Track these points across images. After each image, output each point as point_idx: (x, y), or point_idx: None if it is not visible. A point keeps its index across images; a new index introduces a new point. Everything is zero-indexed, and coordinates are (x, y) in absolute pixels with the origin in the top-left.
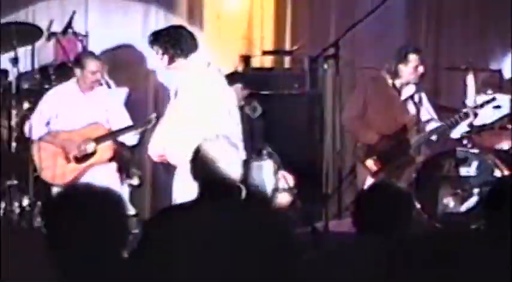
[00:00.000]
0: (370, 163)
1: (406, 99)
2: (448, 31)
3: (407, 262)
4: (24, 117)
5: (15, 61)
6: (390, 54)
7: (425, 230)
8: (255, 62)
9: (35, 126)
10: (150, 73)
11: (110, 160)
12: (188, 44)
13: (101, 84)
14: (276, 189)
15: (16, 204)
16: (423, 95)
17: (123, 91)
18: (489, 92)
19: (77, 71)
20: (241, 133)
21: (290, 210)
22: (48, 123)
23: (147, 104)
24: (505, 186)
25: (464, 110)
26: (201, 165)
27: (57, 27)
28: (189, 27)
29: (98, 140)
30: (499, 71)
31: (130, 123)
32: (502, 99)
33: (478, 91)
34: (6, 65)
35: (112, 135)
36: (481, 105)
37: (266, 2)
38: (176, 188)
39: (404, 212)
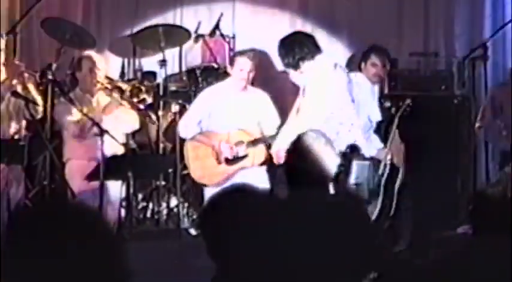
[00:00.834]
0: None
1: None
2: None
3: None
4: (172, 119)
5: (163, 63)
6: None
7: None
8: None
9: (188, 126)
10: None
11: (262, 164)
12: (312, 47)
13: (252, 84)
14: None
15: (164, 205)
16: None
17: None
18: None
19: (230, 70)
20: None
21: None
22: (199, 123)
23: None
24: None
25: None
26: (300, 156)
27: (204, 29)
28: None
29: (252, 142)
30: None
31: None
32: None
33: None
34: (155, 67)
35: (266, 139)
36: None
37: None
38: None
39: None
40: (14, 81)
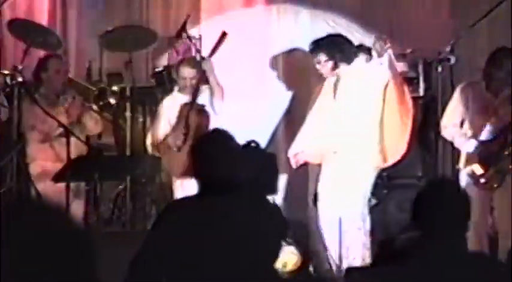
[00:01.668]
0: (475, 168)
1: (502, 101)
2: None
3: None
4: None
5: (128, 64)
6: None
7: None
8: None
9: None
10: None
11: None
12: (350, 51)
13: None
14: None
15: (131, 206)
16: None
17: None
18: None
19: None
20: None
21: None
22: None
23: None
24: None
25: None
26: None
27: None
28: None
29: None
30: None
31: None
32: None
33: None
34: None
35: None
36: None
37: None
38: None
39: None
40: None
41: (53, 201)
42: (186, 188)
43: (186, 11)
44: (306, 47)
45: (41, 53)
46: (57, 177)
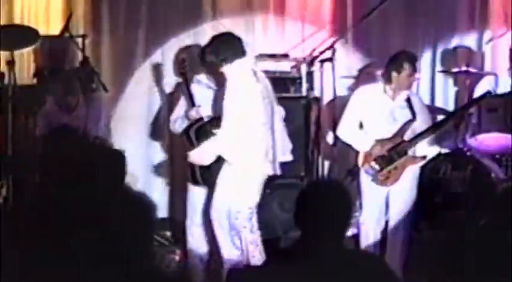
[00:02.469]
0: (368, 167)
1: (399, 103)
2: None
3: None
4: None
5: (10, 64)
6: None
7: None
8: None
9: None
10: None
11: None
12: (236, 49)
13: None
14: None
15: None
16: (418, 99)
17: None
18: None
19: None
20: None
21: None
22: None
23: None
24: None
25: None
26: None
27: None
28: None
29: None
30: None
31: None
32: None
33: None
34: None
35: None
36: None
37: None
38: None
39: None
40: None
41: None
42: None
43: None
44: None
45: None
46: None
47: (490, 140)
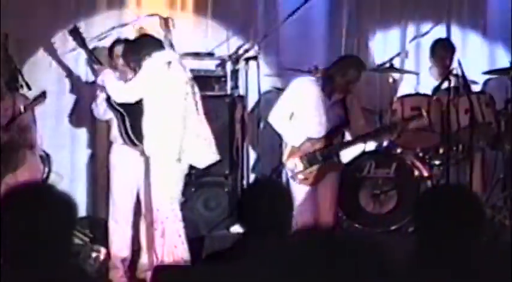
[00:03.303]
0: (292, 164)
1: (334, 103)
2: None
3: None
4: None
5: None
6: (313, 55)
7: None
8: None
9: None
10: None
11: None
12: (155, 46)
13: (21, 86)
14: None
15: None
16: (354, 99)
17: None
18: None
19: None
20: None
21: None
22: None
23: None
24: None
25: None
26: None
27: None
28: None
29: None
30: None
31: None
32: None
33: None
34: None
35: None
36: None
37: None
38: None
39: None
40: None
41: None
42: None
43: None
44: None
45: None
46: None
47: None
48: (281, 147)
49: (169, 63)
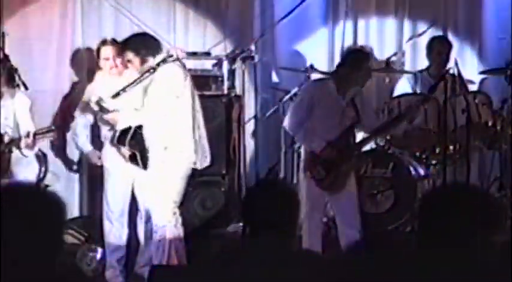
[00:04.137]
0: (315, 171)
1: (348, 103)
2: None
3: None
4: None
5: None
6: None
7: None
8: None
9: None
10: None
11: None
12: (157, 46)
13: (17, 86)
14: None
15: None
16: (362, 96)
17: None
18: None
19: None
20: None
21: None
22: None
23: None
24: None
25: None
26: None
27: None
28: None
29: None
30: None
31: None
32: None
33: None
34: None
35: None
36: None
37: None
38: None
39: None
40: None
41: None
42: None
43: None
44: None
45: None
46: None
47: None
48: (279, 146)
49: (178, 64)
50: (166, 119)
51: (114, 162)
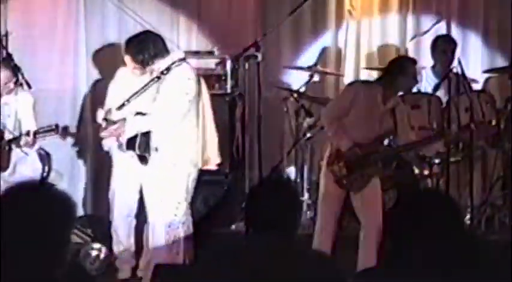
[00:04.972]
0: (336, 168)
1: (387, 111)
2: None
3: None
4: None
5: None
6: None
7: None
8: None
9: None
10: None
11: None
12: (163, 46)
13: (21, 85)
14: None
15: None
16: (403, 108)
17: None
18: None
19: None
20: None
21: None
22: None
23: None
24: None
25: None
26: None
27: None
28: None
29: None
30: None
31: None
32: None
33: None
34: None
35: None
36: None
37: None
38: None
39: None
40: None
41: None
42: None
43: None
44: None
45: None
46: None
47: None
48: (281, 146)
49: (189, 67)
50: (178, 121)
51: (121, 164)
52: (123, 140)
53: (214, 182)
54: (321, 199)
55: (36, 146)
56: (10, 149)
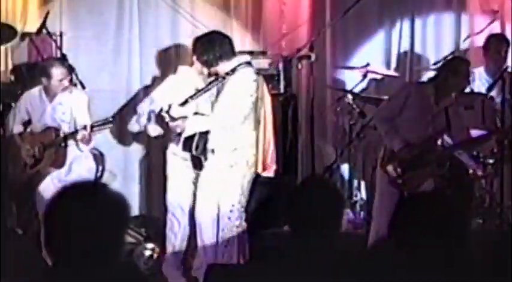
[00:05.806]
0: (390, 168)
1: (440, 111)
2: None
3: None
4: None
5: None
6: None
7: None
8: None
9: (11, 125)
10: None
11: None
12: (230, 47)
13: (75, 85)
14: None
15: None
16: (458, 109)
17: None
18: None
19: (43, 80)
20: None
21: None
22: (24, 123)
23: None
24: None
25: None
26: None
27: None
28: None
29: (46, 146)
30: None
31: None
32: None
33: None
34: None
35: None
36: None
37: None
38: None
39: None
40: None
41: None
42: None
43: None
44: None
45: None
46: None
47: None
48: (334, 146)
49: (252, 70)
50: (239, 123)
51: (176, 167)
52: (185, 134)
53: (267, 183)
54: (377, 199)
55: (91, 144)
56: (66, 146)
